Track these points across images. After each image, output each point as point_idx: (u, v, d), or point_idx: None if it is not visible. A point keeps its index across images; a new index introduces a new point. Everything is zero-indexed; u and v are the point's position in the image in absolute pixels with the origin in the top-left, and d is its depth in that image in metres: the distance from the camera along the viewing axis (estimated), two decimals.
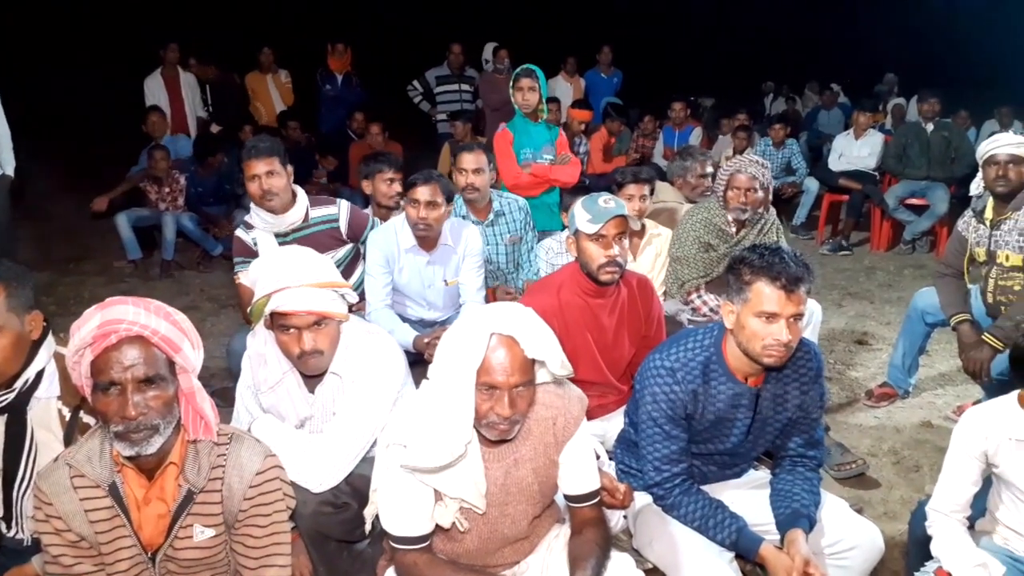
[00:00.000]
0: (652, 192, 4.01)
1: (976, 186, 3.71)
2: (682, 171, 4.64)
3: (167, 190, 6.41)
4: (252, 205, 3.32)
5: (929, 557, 2.10)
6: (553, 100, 7.17)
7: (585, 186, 6.10)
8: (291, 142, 7.20)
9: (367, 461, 2.09)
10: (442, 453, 1.73)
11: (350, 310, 2.29)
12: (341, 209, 3.46)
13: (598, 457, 2.50)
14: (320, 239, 3.36)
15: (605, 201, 2.67)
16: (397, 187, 4.05)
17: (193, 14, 12.23)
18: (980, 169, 3.56)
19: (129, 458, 1.66)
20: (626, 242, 2.74)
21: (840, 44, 13.58)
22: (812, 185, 7.53)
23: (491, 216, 3.89)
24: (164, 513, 1.73)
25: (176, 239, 6.40)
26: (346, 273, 3.50)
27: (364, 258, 3.52)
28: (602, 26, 12.03)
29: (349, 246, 3.51)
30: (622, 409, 2.71)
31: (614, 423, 2.76)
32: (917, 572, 2.09)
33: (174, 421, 1.68)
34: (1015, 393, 2.03)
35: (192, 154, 7.02)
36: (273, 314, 2.09)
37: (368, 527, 1.98)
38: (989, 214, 3.55)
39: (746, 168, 3.64)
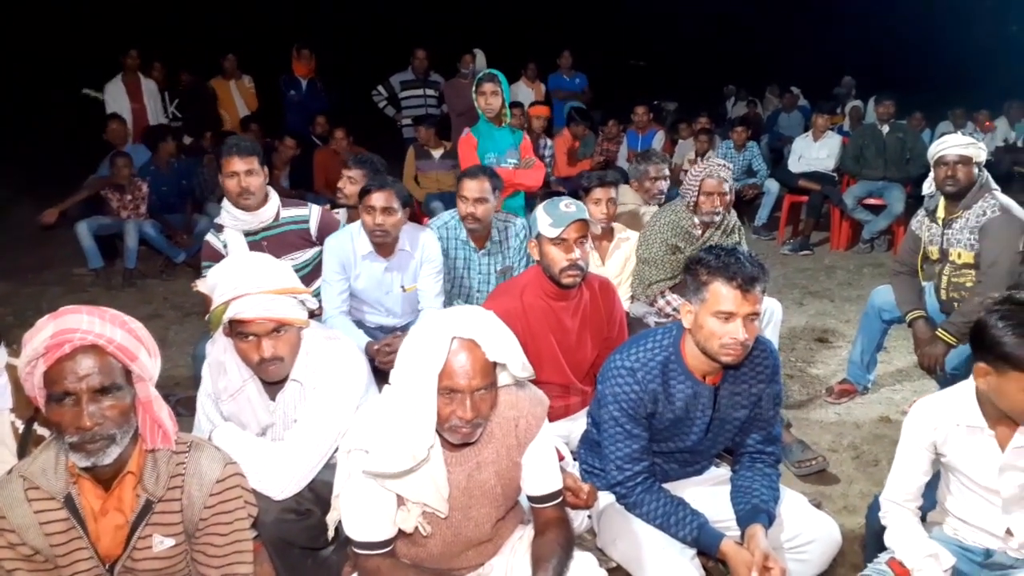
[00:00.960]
0: (618, 195, 4.05)
1: (928, 186, 3.80)
2: (638, 174, 4.71)
3: (129, 197, 6.32)
4: (225, 203, 3.35)
5: (885, 549, 2.15)
6: (517, 104, 7.21)
7: (550, 190, 6.17)
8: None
9: (330, 467, 2.08)
10: (404, 458, 1.74)
11: (312, 316, 2.29)
12: (312, 211, 3.52)
13: (562, 458, 2.53)
14: (290, 238, 3.42)
15: (566, 205, 2.71)
16: (354, 186, 3.92)
17: (157, 19, 12.09)
18: (932, 169, 3.65)
19: (85, 469, 1.64)
20: (588, 245, 2.78)
21: (800, 48, 13.81)
22: (773, 186, 7.65)
23: (488, 245, 3.72)
24: (122, 524, 1.71)
25: (139, 247, 6.31)
26: (313, 274, 3.50)
27: None
28: (564, 32, 12.10)
29: (317, 248, 3.51)
30: (586, 410, 2.73)
31: (578, 424, 2.78)
32: (871, 563, 2.13)
33: (131, 431, 1.66)
34: (962, 383, 2.08)
35: (147, 147, 6.96)
36: (232, 321, 2.07)
37: (331, 533, 1.98)
38: (941, 213, 3.64)
39: (715, 172, 3.72)
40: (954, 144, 3.54)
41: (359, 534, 1.85)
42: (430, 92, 7.97)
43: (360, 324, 3.44)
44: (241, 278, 2.07)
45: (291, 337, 2.13)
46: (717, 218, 3.78)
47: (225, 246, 3.33)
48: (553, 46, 9.71)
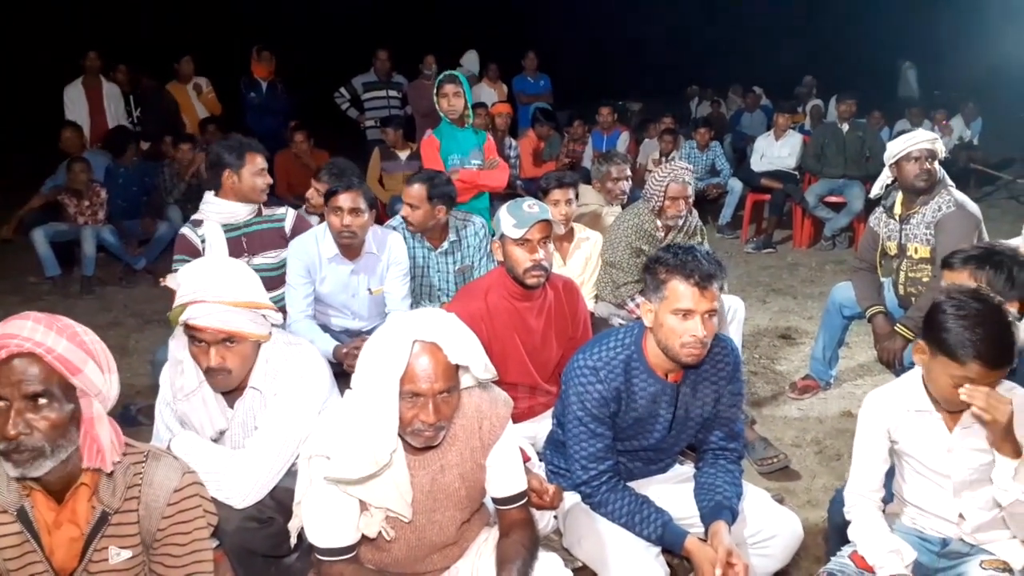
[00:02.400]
0: (577, 196, 4.07)
1: (879, 186, 3.84)
2: (600, 175, 4.74)
3: (87, 203, 6.21)
4: (208, 196, 3.41)
5: (847, 542, 2.18)
6: (481, 105, 7.21)
7: (516, 191, 6.18)
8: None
9: (291, 474, 2.06)
10: (366, 463, 1.72)
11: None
12: (288, 212, 3.62)
13: (528, 459, 2.53)
14: (268, 235, 3.49)
15: (529, 206, 2.72)
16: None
17: (117, 22, 11.88)
18: (887, 168, 3.70)
19: (35, 480, 1.60)
20: (551, 246, 2.79)
21: (762, 48, 14.00)
22: (736, 186, 7.74)
23: (446, 245, 3.70)
24: (77, 536, 1.67)
25: (97, 254, 6.19)
26: (281, 279, 3.48)
27: None
28: (528, 32, 12.12)
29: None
30: (551, 411, 2.73)
31: (544, 424, 2.78)
32: (834, 556, 2.16)
33: (69, 446, 1.60)
34: (911, 371, 2.14)
35: (108, 151, 6.85)
36: (185, 324, 2.04)
37: (294, 540, 1.95)
38: (899, 209, 3.71)
39: (680, 177, 3.76)
40: (922, 139, 3.57)
41: (322, 540, 1.84)
42: (393, 93, 7.94)
43: (325, 328, 3.41)
44: (204, 283, 2.04)
45: (243, 349, 2.09)
46: (681, 221, 3.84)
47: (203, 240, 3.34)
48: (517, 47, 9.74)
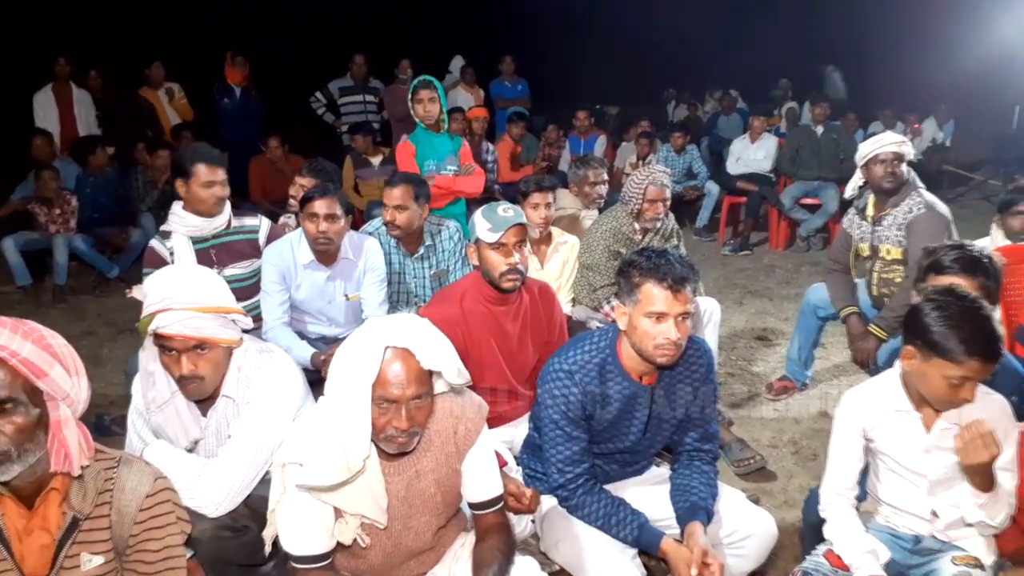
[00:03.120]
0: (555, 200, 4.08)
1: (852, 188, 3.89)
2: (577, 179, 4.75)
3: (57, 211, 6.13)
4: (176, 208, 3.32)
5: (822, 540, 2.20)
6: (457, 110, 7.21)
7: (494, 195, 6.18)
8: None
9: (266, 482, 2.04)
10: (339, 470, 1.71)
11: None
12: (262, 222, 3.55)
13: (505, 464, 2.53)
14: (240, 247, 3.43)
15: (504, 210, 2.72)
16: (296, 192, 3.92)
17: (86, 26, 11.73)
18: (859, 169, 3.75)
19: (4, 485, 1.58)
20: (526, 249, 2.79)
21: (738, 52, 14.10)
22: (713, 188, 7.80)
23: (421, 250, 3.67)
24: (48, 543, 1.65)
25: (69, 262, 6.11)
26: (254, 289, 3.46)
27: None
28: (506, 37, 12.13)
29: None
30: (528, 415, 2.73)
31: (521, 429, 2.78)
32: (809, 555, 2.18)
33: (36, 451, 1.59)
34: (888, 371, 2.16)
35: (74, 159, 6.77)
36: (155, 334, 2.02)
37: (268, 549, 1.93)
38: (871, 211, 3.75)
39: (658, 180, 3.79)
40: (889, 142, 3.64)
41: (296, 548, 1.82)
42: (369, 98, 7.93)
43: (301, 335, 3.39)
44: (171, 291, 2.02)
45: (215, 356, 2.07)
46: (658, 224, 3.87)
47: (172, 253, 3.28)
48: (494, 51, 9.74)
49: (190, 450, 2.18)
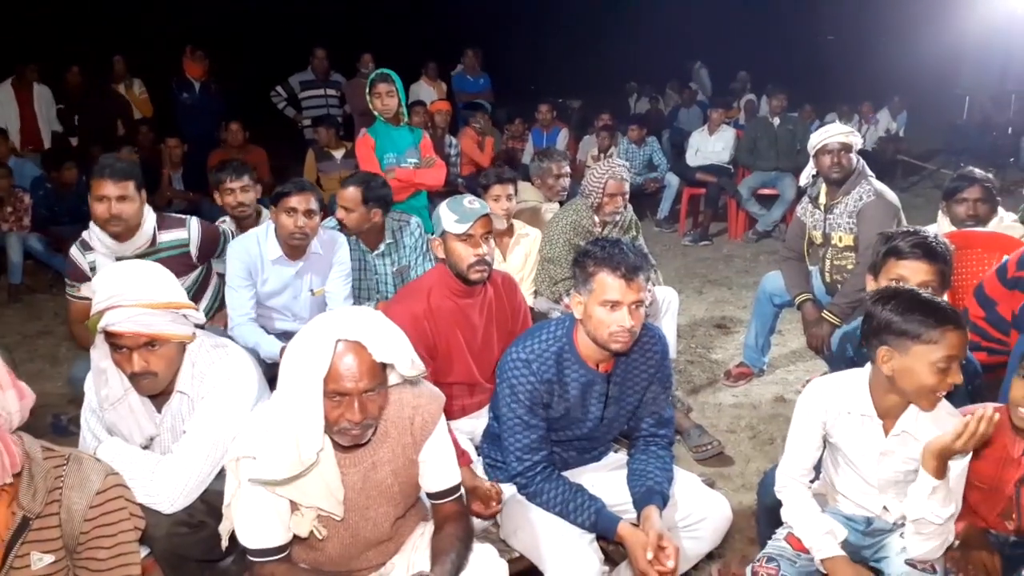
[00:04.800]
0: (516, 192, 4.10)
1: (806, 176, 3.98)
2: (540, 172, 4.77)
3: (9, 210, 6.03)
4: (93, 227, 3.15)
5: (777, 521, 2.25)
6: (419, 103, 7.19)
7: (455, 189, 6.18)
8: (145, 150, 6.96)
9: (222, 477, 2.04)
10: (292, 463, 1.72)
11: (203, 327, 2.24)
12: (191, 231, 3.32)
13: (471, 461, 2.54)
14: (169, 265, 3.19)
15: (470, 202, 2.71)
16: (242, 196, 3.79)
17: (45, 22, 11.48)
18: (811, 159, 3.83)
19: None
20: (492, 241, 2.79)
21: (699, 44, 14.24)
22: (673, 180, 7.88)
23: (382, 247, 3.66)
24: None
25: (26, 261, 6.00)
26: (196, 296, 3.38)
27: (219, 273, 3.44)
28: (468, 30, 12.11)
29: (199, 270, 3.41)
30: (489, 405, 2.75)
31: (482, 421, 2.78)
32: (770, 539, 2.22)
33: None
34: (855, 371, 2.16)
35: (43, 169, 6.63)
36: (105, 332, 2.01)
37: (225, 543, 1.93)
38: (823, 199, 3.83)
39: (617, 174, 3.83)
40: (836, 133, 3.73)
41: (252, 542, 1.83)
42: (331, 92, 7.86)
43: (266, 331, 3.37)
44: (119, 287, 2.00)
45: (167, 352, 2.05)
46: (618, 217, 3.91)
47: (92, 268, 3.13)
48: (456, 45, 9.72)
49: (145, 447, 2.16)
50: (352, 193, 3.48)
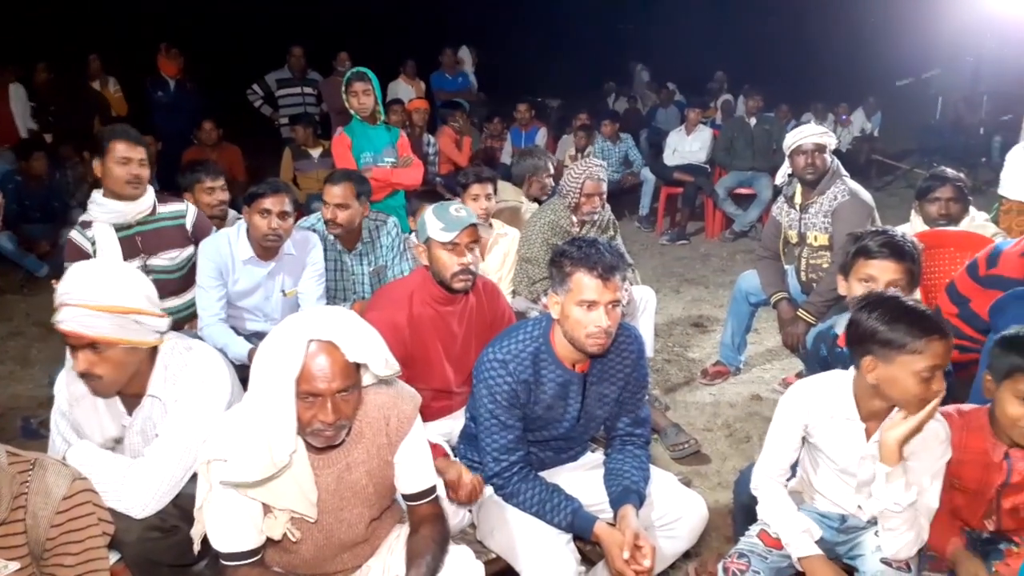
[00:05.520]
0: (495, 192, 4.09)
1: (781, 176, 4.01)
2: (533, 170, 4.76)
3: None
4: (95, 196, 3.22)
5: (753, 518, 2.26)
6: (397, 102, 7.16)
7: (433, 188, 6.16)
8: None
9: (195, 480, 2.01)
10: (264, 465, 1.70)
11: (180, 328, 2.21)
12: (189, 208, 3.46)
13: (446, 455, 2.53)
14: (166, 234, 3.34)
15: (456, 210, 2.67)
16: (220, 195, 3.83)
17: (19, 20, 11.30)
18: (787, 159, 3.86)
19: None
20: (477, 250, 2.76)
21: (676, 45, 14.32)
22: (649, 176, 7.92)
23: (360, 246, 3.64)
24: None
25: None
26: (190, 276, 3.40)
27: None
28: (447, 29, 12.09)
29: (192, 250, 3.42)
30: (466, 407, 2.74)
31: (459, 421, 2.76)
32: (743, 536, 2.24)
33: None
34: (838, 373, 2.16)
35: (16, 161, 6.54)
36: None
37: (197, 547, 1.91)
38: (798, 199, 3.86)
39: (595, 174, 3.83)
40: (810, 134, 3.77)
41: (225, 545, 1.80)
42: (308, 90, 7.82)
43: (237, 332, 3.33)
44: (71, 286, 1.97)
45: (114, 356, 2.00)
46: (596, 217, 3.91)
47: (93, 243, 3.17)
48: (436, 43, 9.69)
49: (112, 449, 2.13)
50: (344, 189, 3.46)
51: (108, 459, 2.08)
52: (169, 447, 2.07)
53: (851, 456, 2.08)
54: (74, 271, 2.04)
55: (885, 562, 2.05)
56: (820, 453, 2.16)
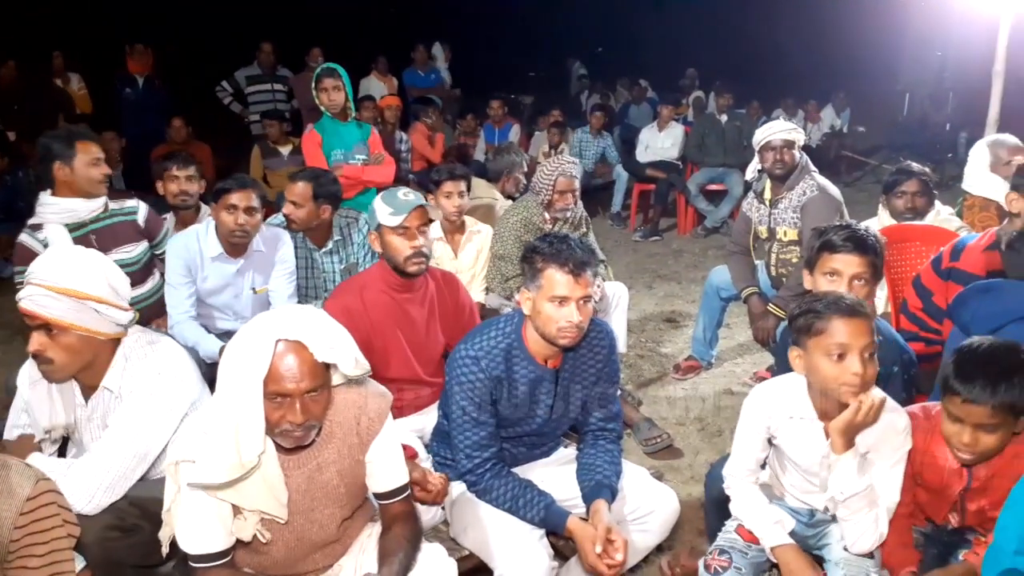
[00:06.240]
0: (469, 189, 4.09)
1: (751, 171, 4.05)
2: (510, 167, 4.75)
3: None
4: (45, 197, 3.22)
5: (724, 512, 2.28)
6: (369, 98, 7.12)
7: (408, 185, 6.12)
8: None
9: (159, 480, 1.99)
10: (233, 467, 1.68)
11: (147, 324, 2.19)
12: (140, 204, 3.49)
13: (416, 455, 2.52)
14: (121, 229, 3.35)
15: (404, 194, 2.71)
16: (187, 185, 3.77)
17: None
18: (756, 155, 3.90)
19: None
20: (430, 233, 2.77)
21: (649, 42, 14.40)
22: (622, 174, 7.95)
23: (330, 244, 3.62)
24: None
25: None
26: (145, 271, 3.41)
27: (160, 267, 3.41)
28: (418, 25, 12.04)
29: (146, 244, 3.44)
30: (438, 403, 2.73)
31: (431, 417, 2.77)
32: (720, 531, 2.25)
33: None
34: (797, 375, 2.15)
35: None
36: None
37: (165, 550, 1.88)
38: (768, 194, 3.90)
39: (568, 171, 3.84)
40: (779, 130, 3.81)
41: (194, 547, 1.78)
42: (278, 87, 7.74)
43: (208, 331, 3.30)
44: (37, 265, 1.98)
45: (67, 341, 1.99)
46: (568, 213, 3.92)
47: (46, 246, 3.13)
48: (408, 40, 9.64)
49: (66, 438, 2.14)
50: (302, 188, 3.43)
51: (47, 460, 2.08)
52: (116, 439, 2.05)
53: (813, 456, 2.09)
54: (49, 252, 2.06)
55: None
56: (784, 456, 2.18)
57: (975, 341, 1.96)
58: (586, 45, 13.63)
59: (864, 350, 1.91)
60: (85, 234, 3.21)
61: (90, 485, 2.00)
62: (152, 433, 2.05)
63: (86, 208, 3.23)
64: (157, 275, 3.53)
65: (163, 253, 3.55)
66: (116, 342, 2.09)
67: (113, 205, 3.35)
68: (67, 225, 3.19)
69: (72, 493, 1.97)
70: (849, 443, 1.97)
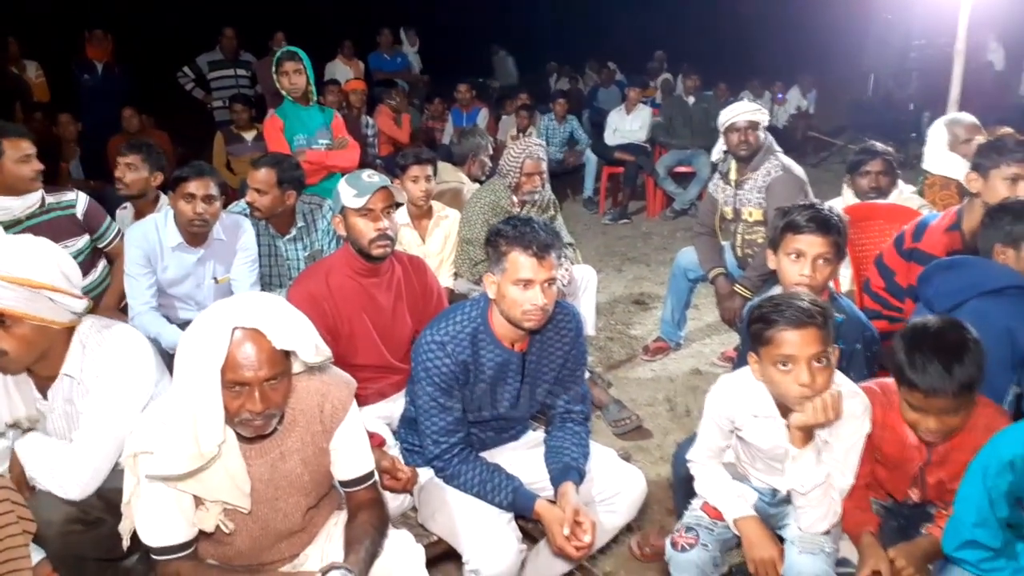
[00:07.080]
0: (436, 173, 4.05)
1: (716, 153, 4.07)
2: (475, 149, 4.72)
3: None
4: None
5: (692, 491, 2.29)
6: (334, 82, 7.03)
7: (375, 170, 6.06)
8: (38, 134, 6.57)
9: (118, 473, 1.95)
10: (192, 457, 1.65)
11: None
12: (79, 196, 3.43)
13: (384, 443, 2.51)
14: (60, 224, 3.30)
15: (368, 175, 2.66)
16: (130, 173, 3.68)
17: None
18: (721, 136, 3.91)
19: None
20: (395, 216, 2.73)
21: (617, 25, 14.38)
22: (592, 157, 7.95)
23: (293, 231, 3.56)
24: None
25: None
26: (88, 265, 3.37)
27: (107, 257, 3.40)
28: (385, 8, 11.88)
29: (87, 238, 3.39)
30: (405, 390, 2.71)
31: (398, 404, 2.74)
32: (686, 509, 2.27)
33: None
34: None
35: None
36: None
37: (126, 543, 1.85)
38: (733, 175, 3.92)
39: (534, 153, 3.82)
40: (743, 111, 3.82)
41: (155, 539, 1.75)
42: (241, 72, 7.60)
43: (169, 321, 3.25)
44: None
45: (21, 331, 1.94)
46: (536, 196, 3.90)
47: None
48: (374, 23, 9.53)
49: (28, 430, 2.08)
50: (265, 175, 3.37)
51: (42, 442, 2.06)
52: (98, 423, 2.03)
53: (776, 449, 2.11)
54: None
55: None
56: (749, 445, 2.19)
57: (918, 326, 1.96)
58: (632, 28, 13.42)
59: (813, 359, 1.90)
60: (21, 231, 3.12)
61: (83, 472, 2.00)
62: (126, 415, 2.02)
63: (21, 205, 3.18)
64: (100, 265, 3.50)
65: (106, 245, 3.52)
66: (70, 331, 2.05)
67: (50, 199, 3.30)
68: (2, 223, 3.10)
69: (66, 480, 1.97)
70: (808, 438, 1.99)
